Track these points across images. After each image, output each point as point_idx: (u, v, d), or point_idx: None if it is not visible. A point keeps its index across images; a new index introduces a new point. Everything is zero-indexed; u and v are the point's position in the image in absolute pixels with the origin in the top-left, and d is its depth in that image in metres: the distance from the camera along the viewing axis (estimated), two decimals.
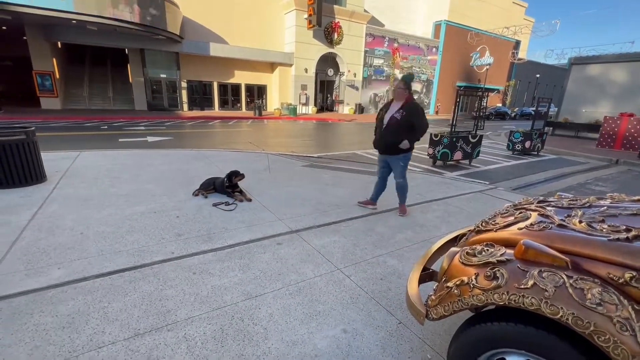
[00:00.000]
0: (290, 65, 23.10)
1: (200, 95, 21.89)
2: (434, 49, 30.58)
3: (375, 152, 4.06)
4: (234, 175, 4.21)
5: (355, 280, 2.44)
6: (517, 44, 36.18)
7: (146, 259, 2.59)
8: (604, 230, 1.25)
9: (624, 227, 1.23)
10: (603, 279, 1.09)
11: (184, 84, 20.72)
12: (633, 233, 1.17)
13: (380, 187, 3.95)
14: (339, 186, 4.95)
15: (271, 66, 23.77)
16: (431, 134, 7.50)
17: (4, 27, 17.21)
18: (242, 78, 23.03)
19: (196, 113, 19.83)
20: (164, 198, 4.06)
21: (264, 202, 4.09)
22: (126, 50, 19.19)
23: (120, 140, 9.08)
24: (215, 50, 20.18)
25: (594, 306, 1.00)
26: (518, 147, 9.59)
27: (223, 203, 3.92)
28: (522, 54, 38.91)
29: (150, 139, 9.51)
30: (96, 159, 6.02)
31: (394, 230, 3.39)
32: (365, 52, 25.95)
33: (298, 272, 2.52)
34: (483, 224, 1.68)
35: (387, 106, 3.67)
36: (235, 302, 2.13)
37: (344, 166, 6.57)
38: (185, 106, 21.04)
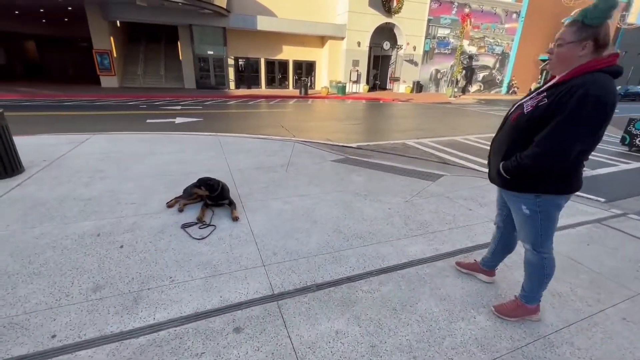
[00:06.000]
0: (342, 38, 21.13)
1: (247, 73, 21.22)
2: (514, 15, 25.75)
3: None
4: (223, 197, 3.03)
5: None
6: (628, 4, 28.87)
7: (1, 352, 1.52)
8: None
9: None
10: None
11: (230, 61, 20.14)
12: None
13: (499, 242, 2.03)
14: (373, 198, 3.48)
15: (321, 40, 22.03)
16: None
17: (70, 8, 18.10)
18: (290, 54, 21.75)
19: (242, 92, 19.22)
20: (130, 208, 3.03)
21: (256, 223, 2.83)
22: (178, 27, 19.06)
23: (148, 121, 8.54)
24: (262, 24, 19.08)
25: None
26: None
27: (197, 224, 2.77)
28: (633, 17, 31.20)
29: (178, 120, 8.84)
30: (101, 145, 5.32)
31: (455, 306, 1.90)
32: (429, 21, 22.69)
33: None
34: None
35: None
36: None
37: (386, 162, 5.01)
38: (233, 84, 20.55)
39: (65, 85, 18.87)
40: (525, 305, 1.81)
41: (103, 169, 4.12)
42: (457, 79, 23.09)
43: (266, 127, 8.49)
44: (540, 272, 1.72)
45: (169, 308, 1.80)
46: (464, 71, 24.50)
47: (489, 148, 1.81)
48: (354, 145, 6.55)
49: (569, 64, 1.42)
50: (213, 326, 1.69)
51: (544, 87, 1.51)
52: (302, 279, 2.10)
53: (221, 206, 3.08)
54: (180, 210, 3.01)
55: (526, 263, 1.77)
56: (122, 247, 2.39)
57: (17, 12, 19.61)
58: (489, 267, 2.14)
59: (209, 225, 2.76)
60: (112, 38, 17.99)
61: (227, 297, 1.91)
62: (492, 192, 3.84)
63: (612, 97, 1.29)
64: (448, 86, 23.82)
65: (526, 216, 1.62)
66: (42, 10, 19.23)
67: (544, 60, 27.95)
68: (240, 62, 20.81)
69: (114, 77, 18.44)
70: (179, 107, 11.45)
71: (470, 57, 25.39)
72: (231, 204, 3.06)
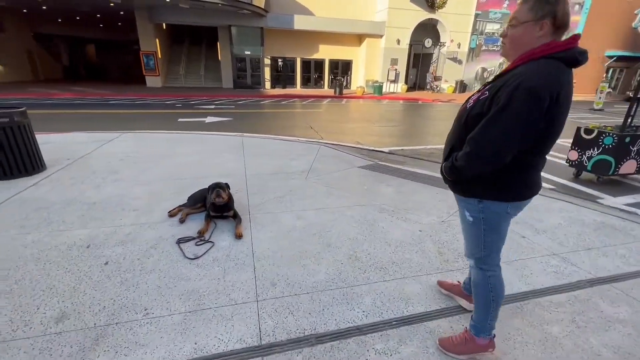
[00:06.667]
0: (381, 36, 20.34)
1: (283, 73, 21.22)
2: (576, 7, 23.16)
3: None
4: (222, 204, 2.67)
5: None
6: None
7: None
8: None
9: None
10: None
11: (267, 61, 20.25)
12: None
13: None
14: (401, 215, 2.96)
15: (359, 39, 21.41)
16: (579, 129, 4.60)
17: (121, 12, 19.29)
18: (326, 53, 21.40)
19: (277, 91, 19.23)
20: (131, 216, 2.81)
21: (260, 243, 2.45)
22: (217, 29, 19.52)
23: (179, 120, 8.62)
24: (299, 23, 18.92)
25: None
26: None
27: (194, 239, 2.45)
28: None
29: (209, 119, 8.83)
30: (126, 144, 5.31)
31: None
32: (476, 15, 21.10)
33: None
34: None
35: None
36: None
37: (420, 171, 4.42)
38: (268, 84, 20.67)
39: (115, 85, 20.17)
40: (474, 339, 1.48)
41: (119, 170, 4.01)
42: None
43: (295, 127, 8.17)
44: (485, 294, 1.43)
45: (130, 354, 1.47)
46: None
47: None
48: (385, 149, 5.99)
49: (525, 48, 1.15)
50: None
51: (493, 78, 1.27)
52: (300, 325, 1.67)
53: (225, 218, 2.75)
54: (182, 221, 2.72)
55: (472, 285, 1.50)
56: (106, 263, 2.13)
57: (77, 17, 21.35)
58: (471, 292, 1.64)
59: (207, 241, 2.43)
60: (157, 40, 18.86)
61: (204, 344, 1.53)
62: (552, 213, 3.13)
63: (554, 88, 1.05)
64: None
65: (469, 223, 1.40)
66: (98, 15, 20.74)
67: (610, 57, 24.92)
68: (277, 61, 20.85)
69: (158, 77, 19.34)
70: (213, 107, 11.57)
71: None
72: (236, 217, 2.72)
